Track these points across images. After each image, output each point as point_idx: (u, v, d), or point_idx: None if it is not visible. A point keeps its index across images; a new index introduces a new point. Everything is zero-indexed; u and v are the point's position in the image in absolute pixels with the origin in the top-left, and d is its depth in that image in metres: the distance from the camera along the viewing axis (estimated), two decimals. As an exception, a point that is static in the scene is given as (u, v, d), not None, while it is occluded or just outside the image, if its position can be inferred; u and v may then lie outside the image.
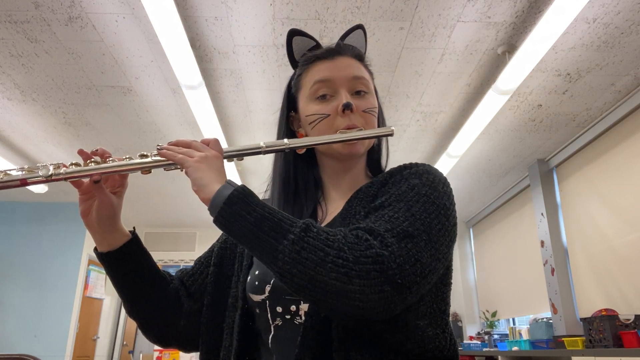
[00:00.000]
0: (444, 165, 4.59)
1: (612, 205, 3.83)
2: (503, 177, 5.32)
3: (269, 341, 0.76)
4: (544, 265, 4.65)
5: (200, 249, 6.98)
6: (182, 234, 7.19)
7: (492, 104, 3.40)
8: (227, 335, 0.80)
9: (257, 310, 0.78)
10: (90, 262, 6.27)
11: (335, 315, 0.64)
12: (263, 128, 4.08)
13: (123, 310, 7.44)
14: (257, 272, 0.79)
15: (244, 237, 0.64)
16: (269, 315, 0.76)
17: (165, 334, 0.85)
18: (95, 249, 0.82)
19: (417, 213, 0.67)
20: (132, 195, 5.53)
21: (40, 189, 5.24)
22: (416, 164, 0.79)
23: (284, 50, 3.04)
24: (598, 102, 3.70)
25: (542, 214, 4.69)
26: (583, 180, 4.24)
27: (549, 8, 2.51)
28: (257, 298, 0.77)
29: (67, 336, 5.71)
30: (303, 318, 0.72)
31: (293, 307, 0.73)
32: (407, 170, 0.78)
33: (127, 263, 0.81)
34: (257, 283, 0.78)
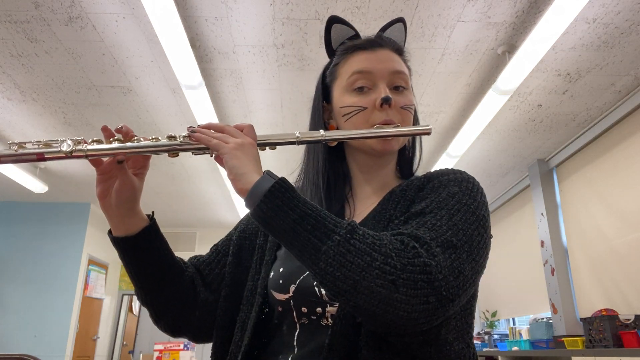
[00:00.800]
0: (444, 166, 4.59)
1: (612, 205, 3.83)
2: (503, 177, 5.32)
3: (295, 337, 0.74)
4: (544, 265, 4.65)
5: (200, 249, 6.98)
6: (182, 234, 7.19)
7: (492, 104, 3.40)
8: (237, 330, 0.78)
9: (280, 308, 0.76)
10: (90, 262, 6.27)
11: (374, 322, 0.61)
12: (263, 128, 4.08)
13: (123, 310, 7.44)
14: (281, 270, 0.77)
15: (284, 234, 0.61)
16: (294, 313, 0.74)
17: (178, 324, 0.81)
18: (110, 232, 0.77)
19: (459, 223, 0.66)
20: (132, 195, 5.52)
21: (40, 188, 5.24)
22: (453, 171, 0.77)
23: (284, 50, 3.04)
24: (598, 102, 3.70)
25: (542, 214, 4.69)
26: (583, 180, 4.24)
27: (549, 8, 2.51)
28: (280, 297, 0.75)
29: (67, 336, 5.71)
30: (330, 320, 0.71)
31: (319, 309, 0.72)
32: (446, 177, 0.75)
33: (144, 249, 0.76)
34: (281, 281, 0.75)
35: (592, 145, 4.12)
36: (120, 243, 0.76)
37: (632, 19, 2.76)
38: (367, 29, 2.82)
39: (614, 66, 3.22)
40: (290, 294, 0.74)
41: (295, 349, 0.73)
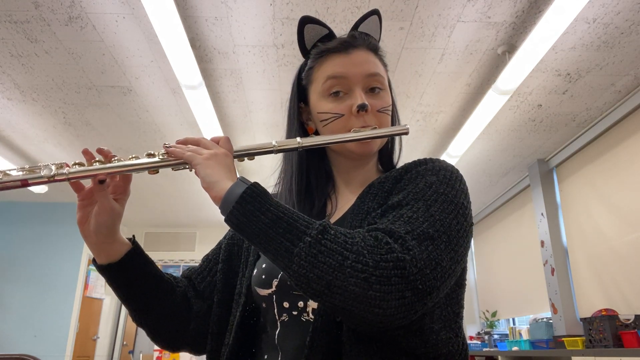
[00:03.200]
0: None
1: (612, 205, 3.83)
2: (503, 177, 5.32)
3: (275, 337, 0.74)
4: (544, 265, 4.64)
5: (200, 249, 6.98)
6: (182, 234, 7.18)
7: (492, 104, 3.40)
8: (229, 332, 0.79)
9: (264, 305, 0.76)
10: (90, 262, 6.26)
11: (352, 321, 0.61)
12: (263, 128, 4.08)
13: (123, 310, 7.44)
14: (264, 266, 0.77)
15: (257, 238, 0.61)
16: (275, 310, 0.74)
17: (175, 339, 0.82)
18: (94, 261, 0.77)
19: (436, 213, 0.65)
20: (132, 196, 5.50)
21: (40, 189, 5.24)
22: (431, 160, 0.77)
23: (284, 50, 3.04)
24: (598, 102, 3.70)
25: (542, 214, 4.69)
26: (583, 180, 4.24)
27: (549, 8, 2.51)
28: (263, 292, 0.75)
29: (67, 336, 5.71)
30: (311, 315, 0.71)
31: (301, 303, 0.72)
32: (423, 167, 0.75)
33: (129, 274, 0.77)
34: (264, 277, 0.76)
35: (592, 145, 4.12)
36: (105, 270, 0.76)
37: (632, 19, 2.76)
38: (367, 29, 2.81)
39: (614, 66, 3.22)
40: (273, 288, 0.74)
41: (279, 349, 0.73)
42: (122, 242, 0.77)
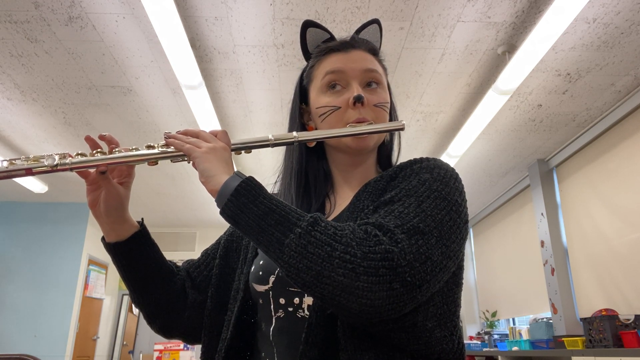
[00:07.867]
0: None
1: (612, 205, 3.83)
2: (503, 177, 5.32)
3: (270, 333, 0.75)
4: (544, 265, 4.65)
5: (200, 249, 6.95)
6: (182, 234, 7.19)
7: (492, 104, 3.40)
8: (225, 327, 0.80)
9: (261, 301, 0.78)
10: (90, 262, 6.27)
11: (341, 312, 0.61)
12: (263, 128, 4.08)
13: (123, 310, 7.45)
14: (261, 262, 0.78)
15: (251, 230, 0.62)
16: (271, 306, 0.75)
17: (169, 324, 0.84)
18: (103, 239, 0.81)
19: (427, 209, 0.65)
20: (132, 196, 5.51)
21: (40, 188, 5.24)
22: (427, 159, 0.77)
23: (284, 50, 3.04)
24: (598, 102, 3.70)
25: (542, 214, 4.69)
26: (583, 180, 4.24)
27: (549, 8, 2.51)
28: (260, 288, 0.77)
29: (67, 336, 5.71)
30: (306, 312, 0.71)
31: (296, 300, 0.72)
32: (418, 165, 0.75)
33: (134, 254, 0.80)
34: (261, 273, 0.77)
35: (592, 145, 4.13)
36: (112, 248, 0.80)
37: (632, 19, 2.76)
38: (367, 29, 2.81)
39: (614, 66, 3.22)
40: (270, 284, 0.75)
41: (274, 345, 0.74)
42: (131, 224, 0.81)
